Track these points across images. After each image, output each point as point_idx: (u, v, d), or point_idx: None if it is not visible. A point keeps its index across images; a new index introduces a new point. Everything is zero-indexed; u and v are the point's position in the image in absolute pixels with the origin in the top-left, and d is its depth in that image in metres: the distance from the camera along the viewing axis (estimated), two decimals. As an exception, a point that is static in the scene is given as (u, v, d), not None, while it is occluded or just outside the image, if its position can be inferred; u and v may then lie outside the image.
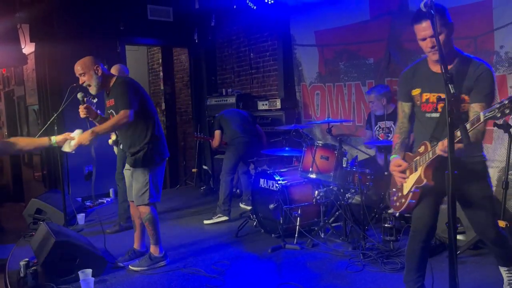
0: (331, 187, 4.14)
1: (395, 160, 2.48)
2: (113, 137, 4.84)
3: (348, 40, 5.40)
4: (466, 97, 2.27)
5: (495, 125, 3.42)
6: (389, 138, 4.44)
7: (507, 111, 1.81)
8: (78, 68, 3.49)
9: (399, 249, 3.64)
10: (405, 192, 2.44)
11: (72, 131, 3.36)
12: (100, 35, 6.22)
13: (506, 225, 3.30)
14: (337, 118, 5.59)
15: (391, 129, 4.43)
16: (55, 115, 4.70)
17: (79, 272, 3.22)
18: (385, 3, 4.90)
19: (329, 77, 5.72)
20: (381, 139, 4.50)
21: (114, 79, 3.56)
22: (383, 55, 5.00)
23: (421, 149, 2.37)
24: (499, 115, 1.84)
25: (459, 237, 3.71)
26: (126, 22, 6.39)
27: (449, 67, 2.24)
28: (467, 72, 2.25)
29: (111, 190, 6.46)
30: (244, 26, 6.77)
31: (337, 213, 4.20)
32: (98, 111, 3.70)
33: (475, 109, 2.24)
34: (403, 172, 2.44)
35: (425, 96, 2.39)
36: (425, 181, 2.29)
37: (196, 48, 7.42)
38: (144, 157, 3.51)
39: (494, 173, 4.12)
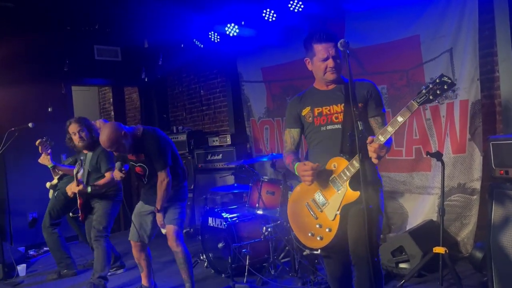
0: (279, 222, 4.12)
1: (302, 165, 2.28)
2: (55, 181, 4.65)
3: (293, 76, 5.53)
4: (361, 104, 2.31)
5: (428, 153, 3.55)
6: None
7: (438, 91, 1.89)
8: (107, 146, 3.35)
9: (347, 282, 3.64)
10: (330, 217, 2.24)
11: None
12: (43, 77, 6.09)
13: (445, 251, 3.38)
14: (286, 152, 5.65)
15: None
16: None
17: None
18: (324, 40, 5.09)
19: (277, 112, 5.82)
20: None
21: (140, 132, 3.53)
22: (325, 90, 5.14)
23: (334, 165, 2.26)
24: (431, 97, 1.90)
25: (403, 265, 3.77)
26: (71, 63, 6.31)
27: (335, 85, 2.39)
28: (355, 86, 2.27)
29: (57, 237, 6.16)
30: (193, 63, 6.83)
31: (286, 248, 4.17)
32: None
33: (378, 121, 2.35)
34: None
35: (317, 110, 2.39)
36: (357, 193, 2.15)
37: (146, 86, 7.40)
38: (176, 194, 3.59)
39: (434, 200, 4.26)
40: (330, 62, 2.28)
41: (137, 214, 3.70)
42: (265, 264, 4.18)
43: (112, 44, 6.86)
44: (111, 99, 8.41)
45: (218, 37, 5.84)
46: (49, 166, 4.56)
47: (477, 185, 4.00)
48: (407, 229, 4.27)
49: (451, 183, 4.13)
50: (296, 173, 2.38)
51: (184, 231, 5.29)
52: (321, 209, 2.31)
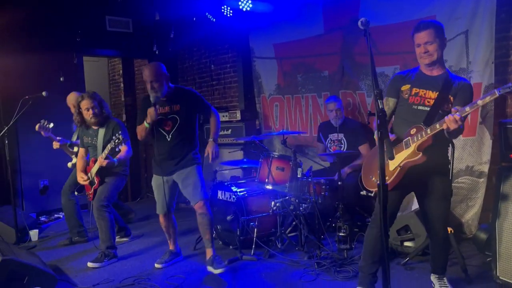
0: (287, 197, 4.20)
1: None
2: (74, 160, 4.77)
3: (305, 53, 5.53)
4: (452, 98, 2.67)
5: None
6: (341, 149, 4.56)
7: None
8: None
9: (352, 257, 3.74)
10: (391, 168, 2.64)
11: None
12: (55, 47, 6.11)
13: (451, 231, 3.44)
14: (295, 129, 5.69)
15: (342, 141, 4.55)
16: (6, 128, 4.61)
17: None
18: (337, 18, 5.06)
19: (288, 89, 5.83)
20: (332, 151, 4.61)
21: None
22: (337, 68, 5.14)
23: (413, 131, 2.65)
24: None
25: (408, 243, 3.85)
26: (83, 33, 6.31)
27: (439, 73, 2.73)
28: (453, 82, 2.69)
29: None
30: (204, 37, 6.80)
31: (293, 223, 4.26)
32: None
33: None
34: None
35: (415, 90, 2.76)
36: (420, 154, 2.56)
37: (156, 59, 7.36)
38: (195, 156, 3.83)
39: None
40: (422, 48, 2.68)
41: (155, 187, 3.85)
42: (272, 237, 4.28)
43: (124, 16, 6.83)
44: (121, 71, 8.40)
45: (231, 11, 5.80)
46: (67, 146, 4.72)
47: (485, 168, 4.04)
48: (413, 209, 4.33)
49: (459, 165, 4.16)
50: None
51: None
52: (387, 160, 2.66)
